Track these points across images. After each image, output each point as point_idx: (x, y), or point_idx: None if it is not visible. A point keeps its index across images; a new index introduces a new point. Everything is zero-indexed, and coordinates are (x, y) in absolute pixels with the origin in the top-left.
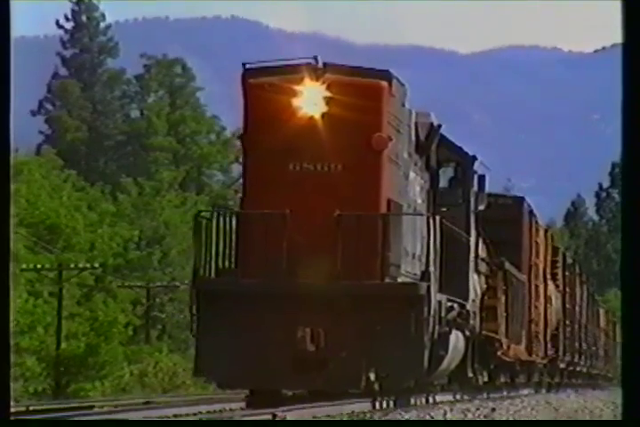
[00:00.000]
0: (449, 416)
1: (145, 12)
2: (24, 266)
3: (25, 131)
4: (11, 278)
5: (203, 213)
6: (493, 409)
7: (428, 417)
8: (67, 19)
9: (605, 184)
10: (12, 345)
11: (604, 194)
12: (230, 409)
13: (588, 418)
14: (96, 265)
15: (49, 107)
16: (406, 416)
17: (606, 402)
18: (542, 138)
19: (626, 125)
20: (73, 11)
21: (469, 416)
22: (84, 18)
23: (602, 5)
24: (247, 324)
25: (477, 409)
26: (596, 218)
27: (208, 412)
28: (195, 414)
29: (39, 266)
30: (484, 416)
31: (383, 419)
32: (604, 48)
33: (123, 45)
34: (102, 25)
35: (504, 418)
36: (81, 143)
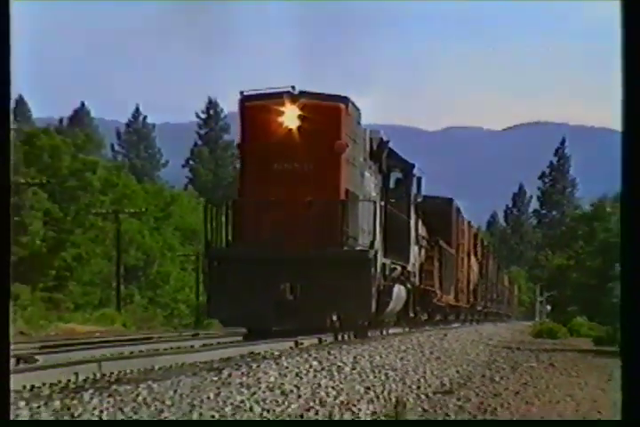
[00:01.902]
0: (421, 339)
1: None
2: (178, 253)
3: (178, 177)
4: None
5: (211, 202)
6: (445, 335)
7: (407, 340)
8: (202, 112)
9: (510, 205)
10: (172, 298)
11: (509, 211)
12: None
13: (498, 337)
14: None
15: (192, 163)
16: (397, 339)
17: (507, 329)
18: (474, 181)
19: (625, 135)
20: (207, 107)
21: (432, 338)
22: (211, 111)
23: (508, 93)
24: (244, 280)
25: (437, 334)
26: (504, 224)
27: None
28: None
29: (186, 253)
30: (440, 339)
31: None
32: (509, 127)
33: (233, 126)
34: (222, 115)
35: (452, 340)
36: (209, 183)
